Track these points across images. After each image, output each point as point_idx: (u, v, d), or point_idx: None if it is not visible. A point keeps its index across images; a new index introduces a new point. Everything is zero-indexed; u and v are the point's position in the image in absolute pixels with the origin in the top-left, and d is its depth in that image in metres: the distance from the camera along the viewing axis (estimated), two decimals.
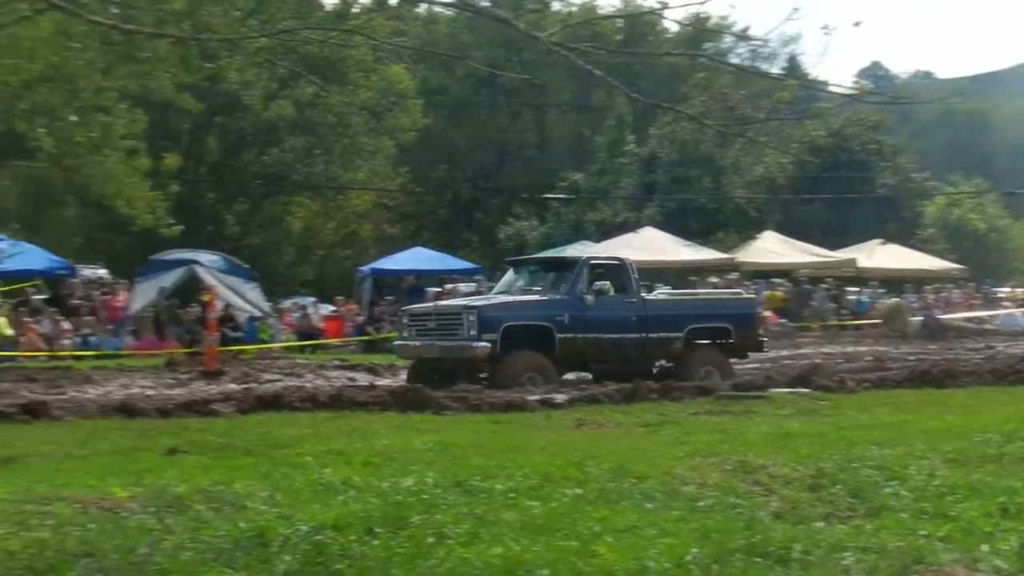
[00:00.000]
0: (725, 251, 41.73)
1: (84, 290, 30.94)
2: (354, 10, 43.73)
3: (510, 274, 20.90)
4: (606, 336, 18.48)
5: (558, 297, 18.54)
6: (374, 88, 46.51)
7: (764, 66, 52.54)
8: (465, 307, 18.38)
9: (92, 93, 22.48)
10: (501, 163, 63.87)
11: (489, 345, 17.47)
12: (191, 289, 30.46)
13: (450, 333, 18.04)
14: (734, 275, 37.42)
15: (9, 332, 26.75)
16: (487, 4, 42.13)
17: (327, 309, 35.97)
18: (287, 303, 36.61)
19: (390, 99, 47.89)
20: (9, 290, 31.78)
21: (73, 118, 22.03)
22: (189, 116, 36.55)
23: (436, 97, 56.07)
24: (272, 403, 14.80)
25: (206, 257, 30.89)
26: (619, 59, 39.15)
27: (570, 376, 18.56)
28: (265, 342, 29.48)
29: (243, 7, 27.45)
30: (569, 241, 43.83)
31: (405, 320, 19.43)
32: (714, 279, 35.89)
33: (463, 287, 35.11)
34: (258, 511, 7.18)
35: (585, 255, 22.28)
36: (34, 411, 14.16)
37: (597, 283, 18.39)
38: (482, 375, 17.91)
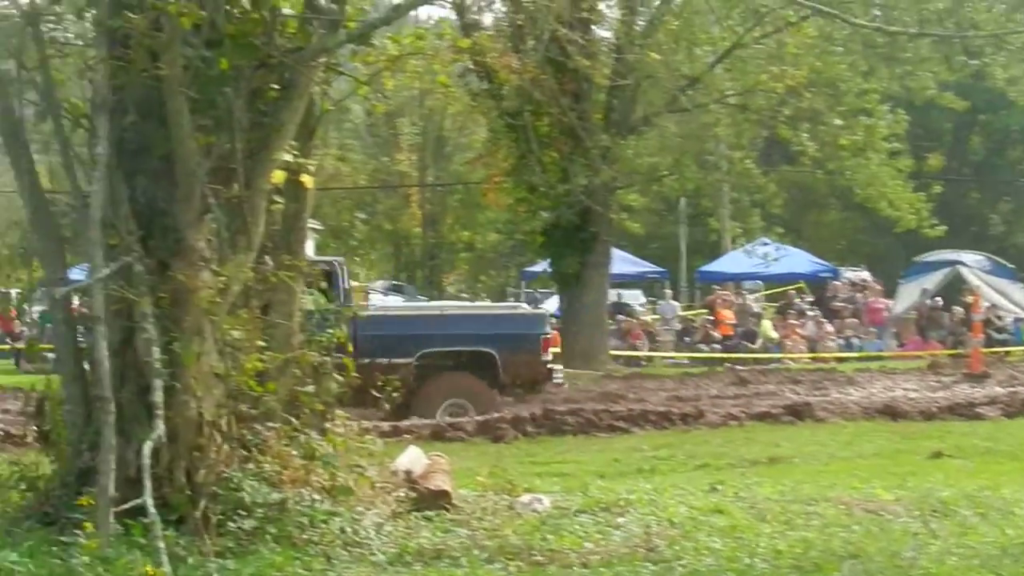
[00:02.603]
0: None
1: (847, 292, 31.36)
2: None
3: None
4: None
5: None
6: None
7: None
8: None
9: (854, 96, 22.82)
10: None
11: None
12: (954, 290, 29.66)
13: None
14: None
15: (773, 335, 27.89)
16: None
17: None
18: None
19: None
20: (774, 293, 33.15)
21: (837, 122, 22.46)
22: (952, 115, 35.70)
23: None
24: None
25: (970, 257, 29.94)
26: None
27: None
28: None
29: (1009, 2, 26.16)
30: None
31: None
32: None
33: None
34: None
35: None
36: (798, 413, 14.62)
37: None
38: None
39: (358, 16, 7.63)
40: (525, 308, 19.94)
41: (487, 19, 25.29)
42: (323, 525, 6.77)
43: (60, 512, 6.64)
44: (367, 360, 13.42)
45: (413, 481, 7.81)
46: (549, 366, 15.75)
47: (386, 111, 37.55)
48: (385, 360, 14.24)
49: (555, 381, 15.99)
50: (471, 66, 23.43)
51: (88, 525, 6.14)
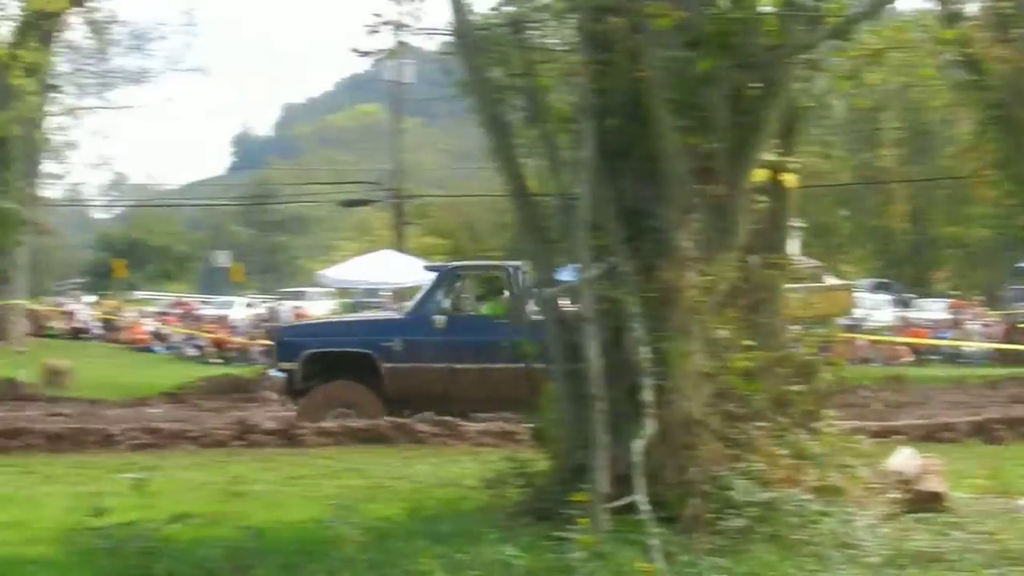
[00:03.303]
0: None
1: None
2: None
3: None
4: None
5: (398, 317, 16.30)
6: None
7: None
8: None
9: None
10: None
11: (283, 374, 15.18)
12: None
13: None
14: None
15: None
16: None
17: None
18: None
19: None
20: None
21: None
22: None
23: None
24: None
25: None
26: None
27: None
28: None
29: None
30: None
31: None
32: None
33: None
34: None
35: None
36: None
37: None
38: None
39: (838, 11, 7.39)
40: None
41: (971, 8, 23.96)
42: (814, 525, 6.62)
43: (555, 508, 6.80)
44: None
45: (905, 482, 7.48)
46: None
47: (868, 106, 36.61)
48: None
49: None
50: (955, 57, 22.24)
51: (582, 521, 6.27)
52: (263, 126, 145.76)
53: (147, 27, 34.70)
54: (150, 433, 13.44)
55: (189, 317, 39.53)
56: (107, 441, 13.09)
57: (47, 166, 34.43)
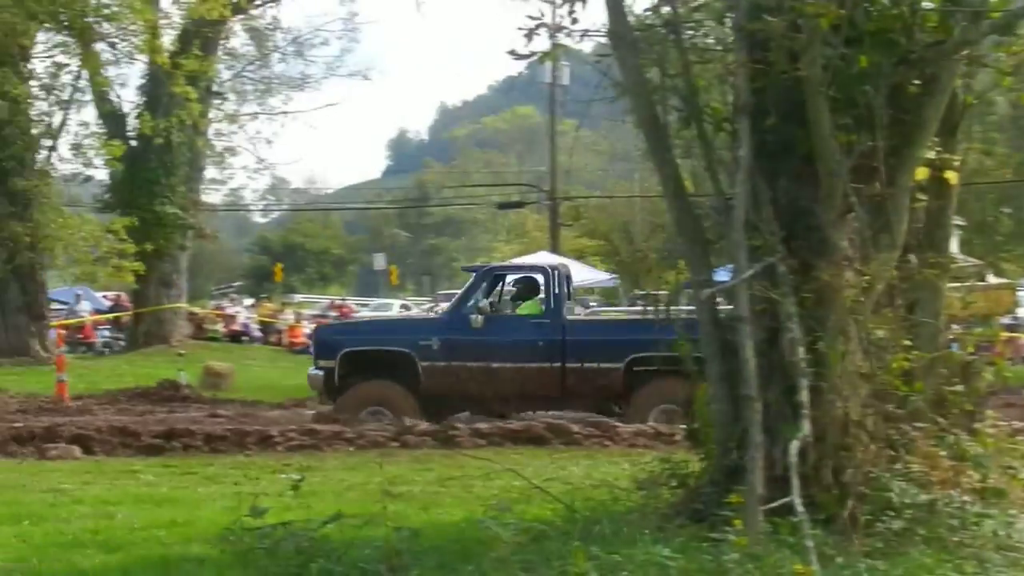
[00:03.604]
0: None
1: None
2: None
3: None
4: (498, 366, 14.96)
5: (433, 317, 16.09)
6: None
7: None
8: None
9: None
10: None
11: (321, 372, 15.45)
12: None
13: None
14: None
15: None
16: None
17: None
18: None
19: None
20: None
21: None
22: None
23: None
24: None
25: None
26: None
27: None
28: None
29: None
30: None
31: None
32: None
33: None
34: None
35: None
36: None
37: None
38: None
39: (1001, 6, 7.22)
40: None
41: None
42: (974, 528, 6.49)
43: (709, 509, 6.80)
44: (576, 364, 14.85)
45: None
46: None
47: None
48: (595, 364, 14.84)
49: None
50: None
51: (737, 522, 6.26)
52: (419, 129, 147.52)
53: (307, 33, 35.43)
54: (307, 434, 13.67)
55: (346, 320, 40.24)
56: (265, 442, 13.35)
57: (209, 172, 35.48)
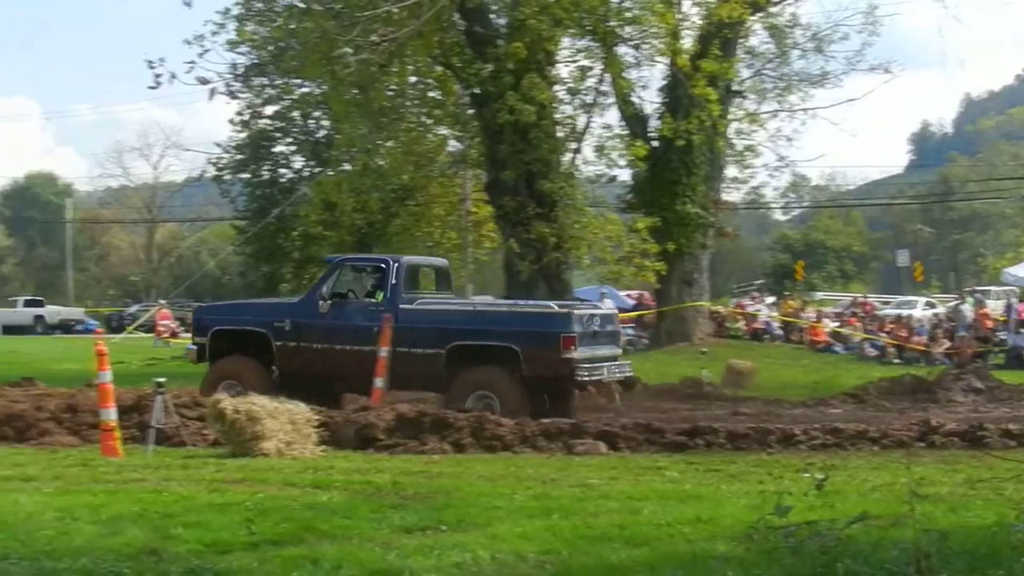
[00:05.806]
0: None
1: None
2: None
3: None
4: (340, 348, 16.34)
5: (290, 301, 18.31)
6: None
7: None
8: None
9: None
10: None
11: (195, 348, 17.31)
12: None
13: None
14: None
15: None
16: None
17: None
18: None
19: None
20: None
21: None
22: None
23: None
24: None
25: None
26: None
27: None
28: None
29: None
30: None
31: None
32: None
33: None
34: None
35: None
36: None
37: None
38: None
39: None
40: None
41: None
42: None
43: None
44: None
45: None
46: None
47: None
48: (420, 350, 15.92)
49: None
50: None
51: None
52: (942, 122, 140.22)
53: (827, 28, 34.55)
54: (831, 433, 13.42)
55: (869, 317, 39.08)
56: (788, 441, 13.24)
57: (729, 170, 35.56)
